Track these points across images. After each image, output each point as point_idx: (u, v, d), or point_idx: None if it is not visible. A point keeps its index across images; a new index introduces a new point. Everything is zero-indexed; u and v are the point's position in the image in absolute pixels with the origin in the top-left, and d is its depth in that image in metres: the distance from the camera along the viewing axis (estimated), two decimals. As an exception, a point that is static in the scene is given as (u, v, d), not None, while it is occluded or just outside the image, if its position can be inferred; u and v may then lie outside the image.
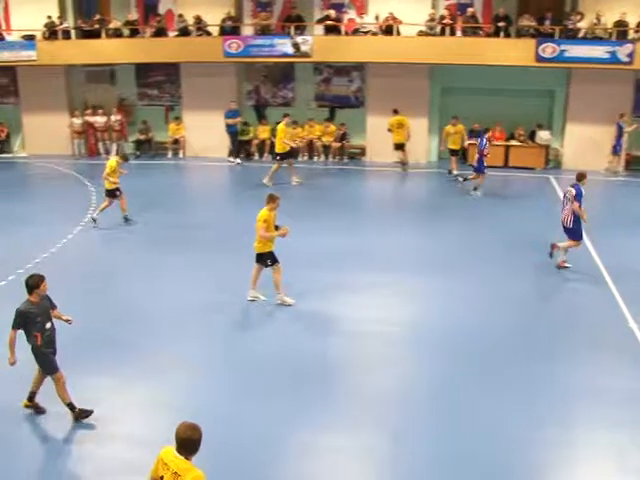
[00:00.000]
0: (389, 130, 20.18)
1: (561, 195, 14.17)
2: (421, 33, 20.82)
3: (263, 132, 22.18)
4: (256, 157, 22.25)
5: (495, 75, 20.44)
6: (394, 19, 20.77)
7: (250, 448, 7.42)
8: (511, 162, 20.48)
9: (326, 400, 8.46)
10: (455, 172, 19.57)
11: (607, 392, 8.70)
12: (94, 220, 15.25)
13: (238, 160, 21.50)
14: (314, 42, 20.72)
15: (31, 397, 8.08)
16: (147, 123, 22.73)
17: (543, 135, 20.84)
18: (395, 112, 20.18)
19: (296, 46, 20.76)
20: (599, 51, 19.76)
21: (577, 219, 12.45)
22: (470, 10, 20.83)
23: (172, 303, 11.22)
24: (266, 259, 10.86)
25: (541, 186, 19.50)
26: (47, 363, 7.80)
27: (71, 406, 7.89)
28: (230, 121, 21.23)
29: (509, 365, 9.36)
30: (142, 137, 22.86)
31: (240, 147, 21.81)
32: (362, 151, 22.07)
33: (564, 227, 12.72)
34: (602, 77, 19.97)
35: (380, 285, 11.88)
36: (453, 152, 19.79)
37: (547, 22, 20.43)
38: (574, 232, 12.61)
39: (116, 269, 12.85)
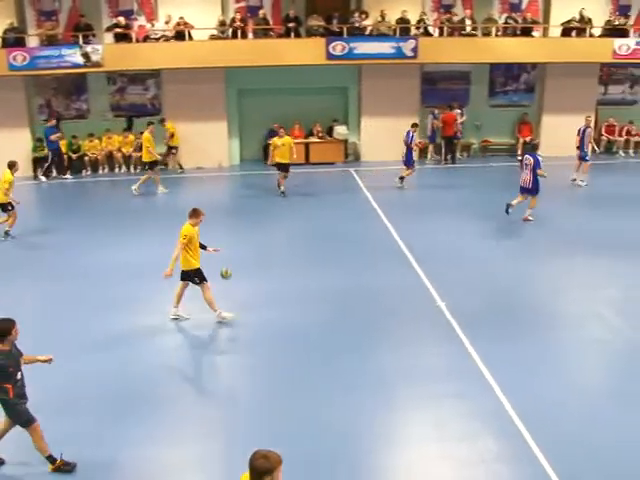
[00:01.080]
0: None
1: (361, 185, 16.51)
2: (213, 37, 21.13)
3: (126, 144, 21.64)
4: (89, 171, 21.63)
5: (290, 75, 21.11)
6: (185, 24, 20.95)
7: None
8: (312, 158, 21.18)
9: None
10: (282, 188, 18.11)
11: (426, 370, 9.20)
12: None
13: (42, 177, 20.89)
14: (105, 51, 20.42)
15: None
16: None
17: (340, 130, 21.75)
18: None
19: (86, 56, 20.36)
20: (385, 47, 20.98)
21: (536, 180, 15.44)
22: (260, 12, 21.43)
23: None
24: (193, 277, 10.27)
25: (343, 179, 20.28)
26: (22, 415, 6.89)
27: (51, 458, 7.05)
28: (53, 137, 20.60)
29: (332, 356, 9.56)
30: None
31: (61, 163, 21.14)
32: (163, 159, 21.98)
33: (523, 188, 15.66)
34: (391, 72, 21.18)
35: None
36: (280, 166, 17.98)
37: (335, 21, 21.41)
38: (534, 190, 15.59)
39: None
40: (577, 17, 22.52)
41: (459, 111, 22.48)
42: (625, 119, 24.03)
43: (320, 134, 21.85)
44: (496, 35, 22.11)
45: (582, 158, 19.01)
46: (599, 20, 22.87)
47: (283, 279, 12.38)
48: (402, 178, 18.89)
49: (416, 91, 22.32)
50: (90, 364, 9.26)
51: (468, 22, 22.06)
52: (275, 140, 18.07)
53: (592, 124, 19.65)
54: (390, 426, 7.96)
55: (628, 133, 24.06)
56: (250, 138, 21.73)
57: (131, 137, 21.66)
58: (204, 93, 21.04)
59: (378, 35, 21.43)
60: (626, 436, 7.56)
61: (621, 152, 24.13)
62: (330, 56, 20.77)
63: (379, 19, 21.58)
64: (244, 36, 21.09)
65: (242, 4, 21.86)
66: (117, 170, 21.75)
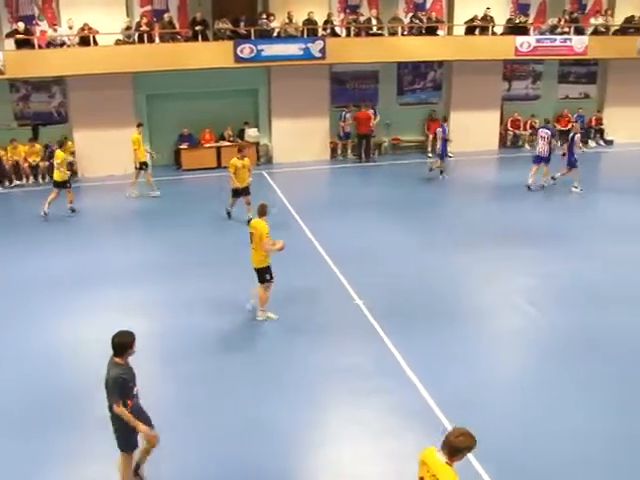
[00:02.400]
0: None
1: (275, 186, 17.72)
2: (119, 42, 21.33)
3: (33, 154, 21.44)
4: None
5: (200, 78, 21.49)
6: (89, 29, 21.08)
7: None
8: (224, 162, 21.51)
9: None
10: (229, 208, 16.74)
11: (348, 368, 9.66)
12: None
13: None
14: (5, 58, 20.36)
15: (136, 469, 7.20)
16: None
17: (251, 133, 22.30)
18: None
19: (-16, 64, 20.31)
20: (294, 48, 21.61)
21: (550, 150, 19.10)
22: (166, 16, 21.75)
23: None
24: (265, 274, 10.86)
25: (257, 182, 20.76)
26: (131, 438, 6.80)
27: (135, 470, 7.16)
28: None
29: (252, 358, 10.01)
30: None
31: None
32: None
33: (541, 157, 19.29)
34: (300, 73, 21.85)
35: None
36: (240, 191, 16.42)
37: (242, 24, 21.92)
38: (548, 159, 19.23)
39: None
40: (480, 16, 23.69)
41: (372, 111, 23.38)
42: (528, 113, 25.40)
43: (231, 137, 22.33)
44: (402, 34, 23.05)
45: (572, 164, 19.32)
46: (501, 19, 24.13)
47: (199, 283, 12.73)
48: (441, 171, 20.63)
49: (325, 91, 23.10)
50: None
51: (374, 22, 22.92)
52: (235, 161, 16.06)
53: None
54: (315, 424, 8.43)
55: (532, 127, 25.42)
56: (161, 144, 21.96)
57: (38, 146, 21.66)
58: (111, 99, 21.17)
59: (286, 37, 22.03)
60: (542, 424, 8.24)
61: (527, 145, 25.47)
62: (239, 59, 21.27)
63: (286, 21, 22.19)
64: (151, 40, 21.29)
65: (147, 8, 22.09)
66: (25, 181, 21.63)
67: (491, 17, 23.81)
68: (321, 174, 21.97)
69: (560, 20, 24.70)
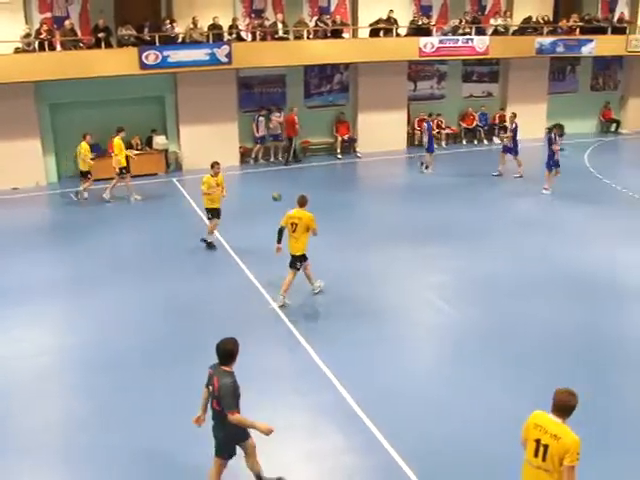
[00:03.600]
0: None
1: (185, 194, 18.28)
2: (18, 50, 21.21)
3: None
4: None
5: (105, 86, 21.57)
6: (-15, 37, 20.92)
7: None
8: (133, 171, 21.68)
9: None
10: (208, 237, 15.84)
11: (267, 371, 10.11)
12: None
13: None
14: None
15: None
16: None
17: (159, 140, 22.59)
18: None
19: None
20: (199, 54, 21.97)
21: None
22: (67, 23, 21.72)
23: None
24: (301, 261, 12.11)
25: (167, 189, 21.17)
26: (232, 445, 7.20)
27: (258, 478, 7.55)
28: None
29: (173, 368, 10.32)
30: None
31: None
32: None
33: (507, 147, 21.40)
34: (207, 78, 22.25)
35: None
36: (213, 212, 15.51)
37: (146, 30, 22.15)
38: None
39: None
40: (384, 18, 24.64)
41: (278, 114, 24.04)
42: (435, 113, 26.53)
43: (139, 145, 22.58)
44: (308, 38, 23.73)
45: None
46: (404, 20, 25.15)
47: (113, 295, 13.03)
48: (426, 166, 22.13)
49: (233, 96, 23.61)
50: None
51: (280, 26, 23.55)
52: (208, 179, 15.15)
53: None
54: None
55: (439, 126, 26.60)
56: (68, 154, 21.99)
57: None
58: (12, 110, 20.89)
59: (191, 42, 22.35)
60: (459, 416, 8.90)
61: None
62: (144, 66, 21.46)
63: (191, 26, 22.49)
64: (52, 48, 21.26)
65: (47, 15, 22.02)
66: None
67: (395, 19, 24.76)
68: (232, 179, 22.40)
69: (461, 21, 25.90)
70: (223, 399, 6.81)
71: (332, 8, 24.87)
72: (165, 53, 21.61)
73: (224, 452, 7.23)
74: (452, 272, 14.03)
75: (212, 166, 15.34)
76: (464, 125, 27.39)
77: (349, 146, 25.29)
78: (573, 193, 19.79)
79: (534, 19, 27.10)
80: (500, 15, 26.91)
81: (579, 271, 14.00)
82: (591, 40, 27.43)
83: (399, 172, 23.84)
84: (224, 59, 22.13)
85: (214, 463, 7.32)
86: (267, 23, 23.54)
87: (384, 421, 8.74)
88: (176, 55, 21.77)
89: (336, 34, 24.20)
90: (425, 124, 23.44)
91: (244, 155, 24.02)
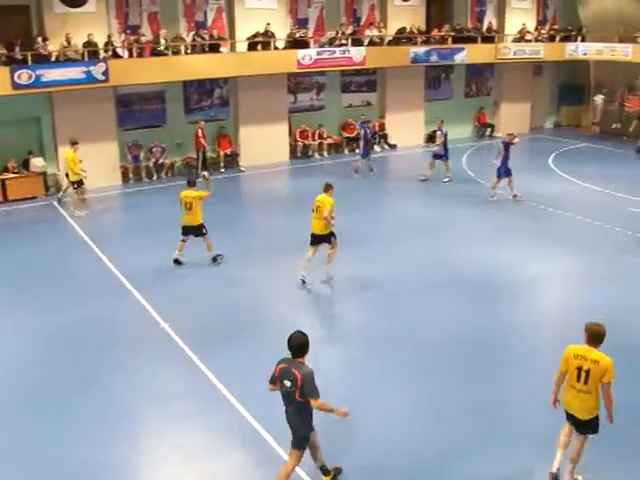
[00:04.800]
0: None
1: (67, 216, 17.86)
2: None
3: None
4: None
5: (-25, 108, 21.30)
6: None
7: None
8: (10, 196, 21.39)
9: None
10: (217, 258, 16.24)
11: (163, 392, 10.34)
12: None
13: None
14: None
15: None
16: None
17: (36, 162, 22.37)
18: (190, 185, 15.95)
19: None
20: (75, 72, 21.86)
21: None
22: None
23: None
24: (331, 237, 14.11)
25: (47, 212, 21.01)
26: (308, 435, 7.85)
27: (324, 469, 8.16)
28: None
29: (63, 395, 10.35)
30: None
31: None
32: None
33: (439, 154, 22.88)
34: (84, 97, 22.21)
35: None
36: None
37: (17, 48, 21.89)
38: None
39: None
40: (261, 31, 25.33)
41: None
42: (316, 124, 27.51)
43: (15, 169, 22.29)
44: (186, 53, 24.13)
45: (508, 174, 20.68)
46: (281, 33, 25.93)
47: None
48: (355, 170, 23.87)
49: (112, 115, 23.67)
50: None
51: (163, 41, 23.78)
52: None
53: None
54: (137, 453, 9.02)
55: (320, 137, 27.58)
56: None
57: None
58: None
59: (65, 60, 22.23)
60: (361, 423, 9.31)
61: (316, 155, 27.58)
62: (16, 85, 21.12)
63: (65, 44, 22.41)
64: None
65: None
66: None
67: (272, 32, 25.49)
68: (114, 198, 22.61)
69: (338, 33, 26.94)
70: (307, 387, 7.48)
71: (209, 22, 25.32)
72: (38, 72, 21.37)
73: (304, 443, 7.89)
74: (341, 278, 14.72)
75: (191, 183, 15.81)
76: (345, 135, 28.44)
77: (232, 160, 25.84)
78: (453, 196, 21.08)
79: (408, 29, 28.44)
80: (375, 26, 28.11)
81: (466, 271, 15.15)
82: (463, 49, 29.09)
83: (283, 184, 24.58)
84: (101, 77, 22.19)
85: (292, 456, 7.92)
86: (143, 39, 23.72)
87: (284, 435, 8.81)
88: (50, 74, 21.57)
89: (214, 48, 24.67)
90: (362, 130, 24.56)
91: (126, 174, 24.11)
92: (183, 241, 15.73)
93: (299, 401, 7.60)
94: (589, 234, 17.91)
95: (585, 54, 31.37)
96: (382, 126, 29.30)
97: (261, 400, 9.84)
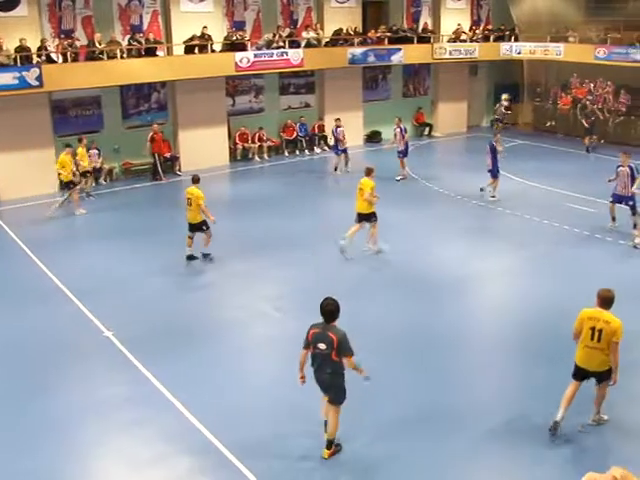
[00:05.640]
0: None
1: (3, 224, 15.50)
2: None
3: None
4: None
5: None
6: None
7: None
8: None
9: None
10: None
11: (107, 401, 10.36)
12: None
13: None
14: None
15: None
16: None
17: (-31, 171, 22.13)
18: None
19: None
20: (7, 78, 21.57)
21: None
22: None
23: None
24: (372, 217, 15.97)
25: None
26: (345, 391, 8.84)
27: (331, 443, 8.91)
28: None
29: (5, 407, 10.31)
30: None
31: None
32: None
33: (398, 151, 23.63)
34: (17, 103, 21.94)
35: None
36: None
37: None
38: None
39: None
40: (198, 35, 25.46)
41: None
42: (256, 126, 27.74)
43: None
44: (121, 57, 24.06)
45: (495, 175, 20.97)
46: (218, 36, 26.09)
47: None
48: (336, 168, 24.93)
49: (47, 121, 23.49)
50: None
51: (98, 45, 23.70)
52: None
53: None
54: (80, 464, 9.00)
55: (260, 139, 27.82)
56: None
57: None
58: None
59: (-2, 65, 22.10)
60: (306, 427, 9.50)
61: (257, 157, 27.82)
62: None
63: (-5, 48, 22.21)
64: None
65: None
66: None
67: (209, 35, 25.64)
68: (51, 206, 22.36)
69: (275, 35, 27.22)
70: (344, 346, 8.49)
71: (144, 26, 25.34)
72: (-31, 78, 21.16)
73: (343, 398, 8.84)
74: (283, 282, 15.10)
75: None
76: (285, 137, 28.74)
77: (171, 165, 25.89)
78: (395, 195, 21.50)
79: (345, 31, 28.89)
80: (312, 28, 28.47)
81: (411, 269, 15.62)
82: (399, 49, 29.69)
83: (223, 188, 24.69)
84: (34, 82, 21.97)
85: (333, 411, 8.82)
86: (78, 44, 23.61)
87: (233, 440, 9.22)
88: (-19, 80, 21.36)
89: (150, 52, 24.68)
90: (333, 129, 25.28)
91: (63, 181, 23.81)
92: (190, 237, 16.23)
93: (335, 361, 8.59)
94: (529, 230, 18.56)
95: (519, 53, 32.31)
96: (321, 128, 29.64)
97: (208, 405, 10.14)
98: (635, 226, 17.21)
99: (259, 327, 13.16)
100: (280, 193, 22.70)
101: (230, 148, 27.47)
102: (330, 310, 8.57)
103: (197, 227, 16.12)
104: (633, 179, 17.20)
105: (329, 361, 8.57)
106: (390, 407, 10.22)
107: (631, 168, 17.24)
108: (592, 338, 8.94)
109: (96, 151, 24.05)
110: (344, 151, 25.22)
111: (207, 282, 15.38)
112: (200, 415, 9.87)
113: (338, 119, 25.45)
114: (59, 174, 21.08)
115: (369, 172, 16.30)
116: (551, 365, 11.04)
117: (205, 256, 16.37)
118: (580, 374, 9.22)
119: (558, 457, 9.00)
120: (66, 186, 21.12)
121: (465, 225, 18.99)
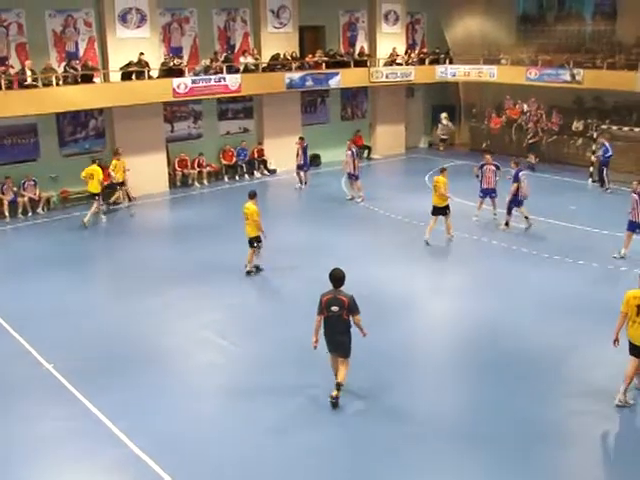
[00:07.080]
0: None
1: None
2: None
3: None
4: None
5: None
6: None
7: None
8: None
9: None
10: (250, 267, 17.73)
11: (49, 436, 10.33)
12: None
13: None
14: None
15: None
16: None
17: None
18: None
19: None
20: None
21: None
22: None
23: None
24: (446, 209, 19.36)
25: None
26: (350, 346, 10.81)
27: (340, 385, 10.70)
28: None
29: None
30: None
31: None
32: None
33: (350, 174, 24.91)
34: None
35: None
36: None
37: None
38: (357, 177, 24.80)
39: None
40: (135, 61, 25.72)
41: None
42: (195, 152, 28.08)
43: None
44: (57, 84, 24.13)
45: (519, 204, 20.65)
46: (155, 63, 26.41)
47: None
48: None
49: None
50: None
51: (29, 73, 23.69)
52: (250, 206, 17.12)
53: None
54: None
55: (200, 165, 28.17)
56: None
57: None
58: None
59: None
60: (253, 455, 9.78)
61: (196, 183, 28.14)
62: None
63: None
64: None
65: None
66: None
67: (146, 62, 25.90)
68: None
69: (212, 60, 27.68)
70: (352, 307, 10.47)
71: (80, 53, 25.52)
72: None
73: (350, 351, 10.74)
74: (226, 308, 15.36)
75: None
76: (225, 162, 29.13)
77: (111, 193, 25.93)
78: (337, 219, 22.20)
79: (282, 56, 29.52)
80: (249, 53, 29.02)
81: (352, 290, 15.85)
82: (337, 73, 30.50)
83: (161, 214, 24.97)
84: None
85: (344, 364, 10.75)
86: (12, 71, 23.62)
87: (178, 468, 9.39)
88: None
89: (87, 79, 24.82)
90: (300, 145, 26.80)
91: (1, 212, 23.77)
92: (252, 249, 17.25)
93: (345, 319, 10.53)
94: (469, 248, 19.34)
95: (454, 75, 33.47)
96: (260, 152, 30.12)
97: (150, 432, 10.27)
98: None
99: (202, 353, 13.31)
100: (218, 219, 22.96)
101: (169, 174, 27.73)
102: (339, 277, 10.48)
103: (250, 242, 17.01)
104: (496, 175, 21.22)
105: (341, 321, 10.51)
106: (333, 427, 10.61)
107: (496, 166, 21.40)
108: (638, 314, 10.25)
109: (32, 182, 24.02)
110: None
111: (150, 309, 15.49)
112: (144, 445, 9.93)
113: (302, 138, 26.87)
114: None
115: (442, 170, 19.74)
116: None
117: (250, 272, 17.24)
118: (638, 350, 10.41)
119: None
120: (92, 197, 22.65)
121: (404, 245, 19.70)
